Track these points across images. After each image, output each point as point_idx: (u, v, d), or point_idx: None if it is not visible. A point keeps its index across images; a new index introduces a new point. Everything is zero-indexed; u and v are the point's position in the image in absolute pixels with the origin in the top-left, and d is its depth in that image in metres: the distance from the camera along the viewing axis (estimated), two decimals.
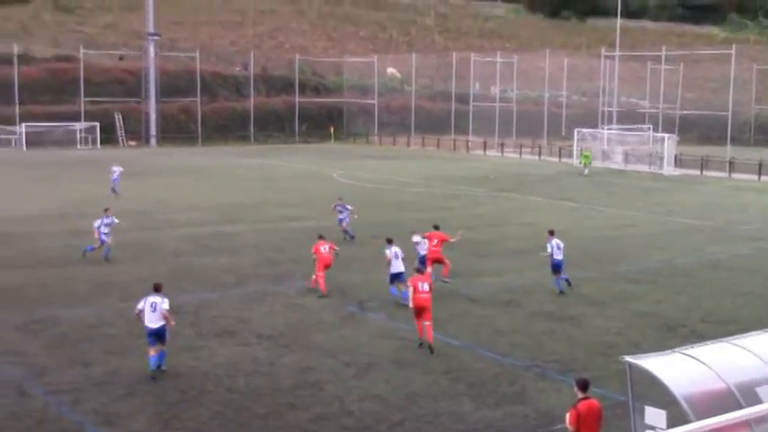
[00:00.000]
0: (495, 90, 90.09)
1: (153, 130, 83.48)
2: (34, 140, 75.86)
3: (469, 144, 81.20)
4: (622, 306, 23.30)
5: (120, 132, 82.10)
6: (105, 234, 27.81)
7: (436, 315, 21.02)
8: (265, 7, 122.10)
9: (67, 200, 42.95)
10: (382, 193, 47.31)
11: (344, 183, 51.72)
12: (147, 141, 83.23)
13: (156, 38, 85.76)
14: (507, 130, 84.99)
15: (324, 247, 24.07)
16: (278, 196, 45.31)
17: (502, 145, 78.94)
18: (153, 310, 17.25)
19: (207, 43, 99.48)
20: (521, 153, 75.31)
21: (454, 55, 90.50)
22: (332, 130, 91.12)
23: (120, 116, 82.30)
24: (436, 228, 25.78)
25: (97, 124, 79.32)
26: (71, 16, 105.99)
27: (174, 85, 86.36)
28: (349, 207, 32.73)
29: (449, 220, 32.66)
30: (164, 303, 17.31)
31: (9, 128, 75.86)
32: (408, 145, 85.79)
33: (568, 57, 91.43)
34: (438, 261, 25.05)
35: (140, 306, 17.43)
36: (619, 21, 79.98)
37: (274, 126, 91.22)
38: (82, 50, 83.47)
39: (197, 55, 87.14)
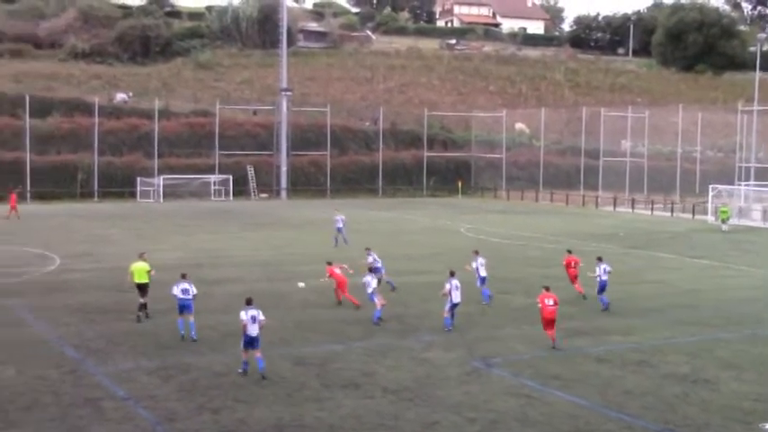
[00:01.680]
0: (626, 145, 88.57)
1: (283, 183, 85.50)
2: (171, 192, 78.85)
3: (599, 200, 79.90)
4: (761, 370, 22.29)
5: (252, 185, 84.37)
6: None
7: (563, 374, 20.79)
8: (395, 63, 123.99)
9: (201, 250, 44.24)
10: (509, 248, 46.93)
11: (471, 237, 51.56)
12: (278, 194, 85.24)
13: (289, 93, 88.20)
14: (638, 186, 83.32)
15: (336, 270, 29.13)
16: (405, 250, 45.48)
17: (632, 201, 77.38)
18: (253, 322, 20.73)
19: (338, 98, 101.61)
20: (652, 209, 73.60)
21: (584, 110, 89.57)
22: (459, 184, 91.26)
23: (253, 169, 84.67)
24: (570, 252, 32.95)
25: (230, 177, 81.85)
26: (209, 73, 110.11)
27: (304, 138, 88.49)
28: (375, 256, 32.19)
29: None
30: (260, 315, 20.91)
31: (148, 179, 79.05)
32: (536, 200, 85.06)
33: (703, 111, 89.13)
34: (575, 280, 31.65)
35: (244, 319, 20.71)
36: (758, 74, 77.73)
37: (402, 180, 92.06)
38: (218, 105, 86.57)
39: (328, 110, 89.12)
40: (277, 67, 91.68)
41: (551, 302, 23.59)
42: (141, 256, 27.63)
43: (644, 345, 24.77)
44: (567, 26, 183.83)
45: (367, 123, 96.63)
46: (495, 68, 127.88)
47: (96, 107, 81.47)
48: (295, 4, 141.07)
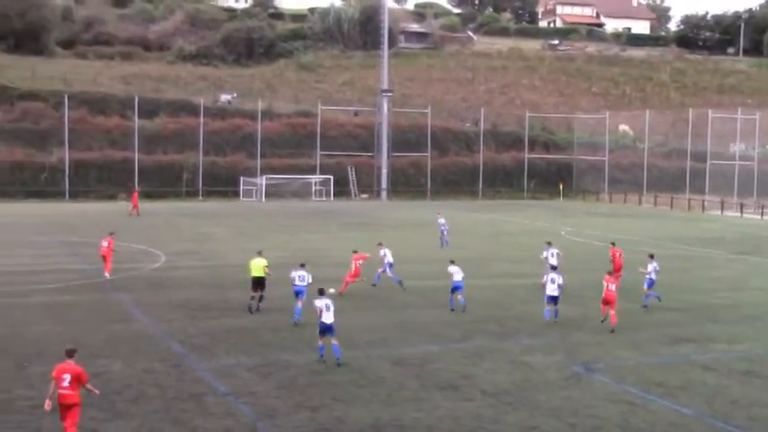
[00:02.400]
0: (735, 148, 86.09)
1: (384, 184, 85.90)
2: (273, 192, 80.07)
3: (705, 204, 77.90)
4: None
5: (353, 185, 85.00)
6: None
7: (667, 381, 20.39)
8: (497, 64, 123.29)
9: (301, 249, 44.73)
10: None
11: (572, 240, 50.89)
12: (378, 194, 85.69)
13: (390, 94, 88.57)
14: (747, 190, 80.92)
15: (359, 262, 31.38)
16: (504, 252, 45.18)
17: (741, 205, 75.19)
18: (327, 310, 21.84)
19: (438, 99, 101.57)
20: (762, 214, 71.38)
21: (690, 111, 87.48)
22: (561, 186, 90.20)
23: (353, 169, 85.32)
24: (613, 243, 35.43)
25: (331, 177, 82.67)
26: (311, 74, 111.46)
27: (405, 139, 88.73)
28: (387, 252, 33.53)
29: (682, 282, 31.45)
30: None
31: (251, 179, 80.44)
32: (640, 203, 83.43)
33: None
34: (619, 270, 33.32)
35: (319, 305, 21.93)
36: None
37: (503, 181, 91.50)
38: (320, 106, 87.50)
39: (428, 111, 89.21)
40: (378, 68, 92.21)
41: (613, 287, 26.40)
42: (260, 254, 28.82)
43: (751, 353, 24.02)
44: (673, 25, 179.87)
45: (467, 124, 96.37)
46: (598, 69, 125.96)
47: (202, 108, 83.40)
48: (396, 6, 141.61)
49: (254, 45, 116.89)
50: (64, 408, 15.64)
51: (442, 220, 47.31)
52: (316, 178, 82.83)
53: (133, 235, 48.65)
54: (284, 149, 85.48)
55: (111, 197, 76.70)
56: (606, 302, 26.48)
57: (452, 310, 28.71)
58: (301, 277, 26.51)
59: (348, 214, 66.93)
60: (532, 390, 20.05)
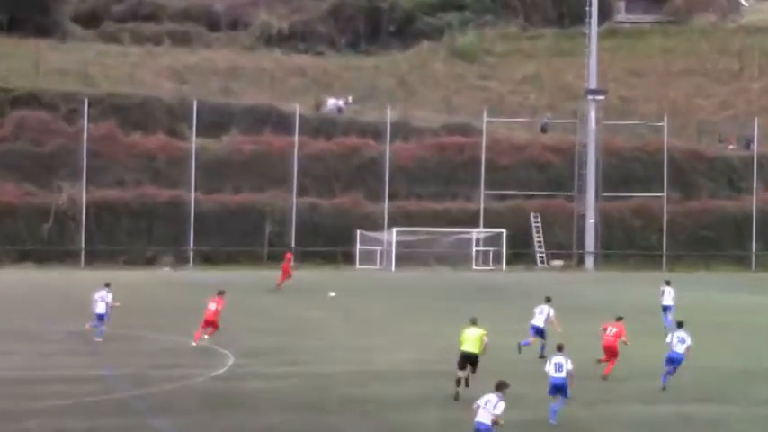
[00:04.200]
0: None
1: (591, 243, 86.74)
2: (407, 255, 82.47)
3: None
4: None
5: (539, 246, 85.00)
6: None
7: None
8: None
9: (451, 349, 44.22)
10: None
11: None
12: (581, 261, 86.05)
13: (601, 97, 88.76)
14: None
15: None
16: None
17: None
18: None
19: (680, 106, 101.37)
20: None
21: None
22: None
23: (540, 220, 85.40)
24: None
25: (503, 232, 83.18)
26: (472, 66, 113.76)
27: (624, 171, 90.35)
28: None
29: None
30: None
31: (373, 234, 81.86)
32: None
33: None
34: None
35: (478, 403, 25.13)
36: None
37: None
38: (485, 117, 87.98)
39: (664, 124, 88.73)
40: (580, 55, 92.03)
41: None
42: (474, 322, 33.85)
43: None
44: None
45: (731, 147, 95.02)
46: None
47: (297, 120, 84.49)
48: None
49: (380, 20, 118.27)
50: None
51: (667, 296, 49.08)
52: (477, 233, 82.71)
53: (183, 322, 49.05)
54: (427, 187, 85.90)
55: (150, 262, 78.18)
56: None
57: (663, 388, 34.66)
58: (558, 366, 30.07)
59: (530, 293, 66.08)
60: None
